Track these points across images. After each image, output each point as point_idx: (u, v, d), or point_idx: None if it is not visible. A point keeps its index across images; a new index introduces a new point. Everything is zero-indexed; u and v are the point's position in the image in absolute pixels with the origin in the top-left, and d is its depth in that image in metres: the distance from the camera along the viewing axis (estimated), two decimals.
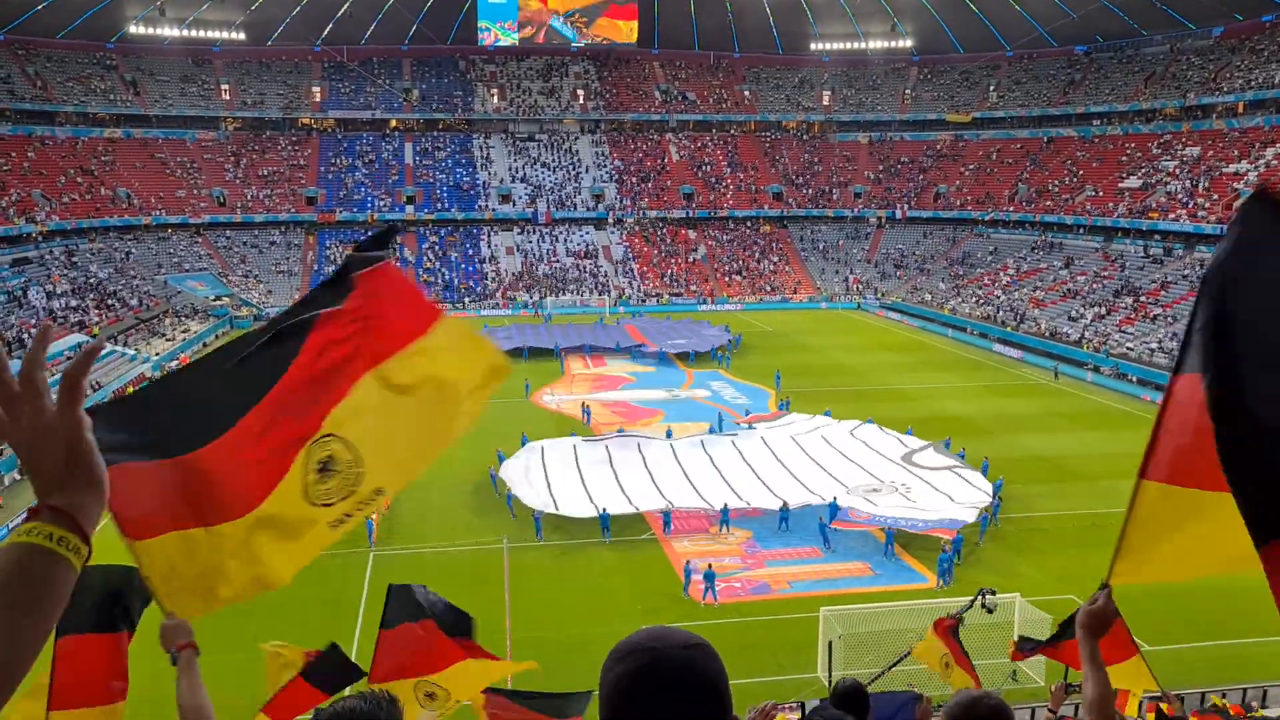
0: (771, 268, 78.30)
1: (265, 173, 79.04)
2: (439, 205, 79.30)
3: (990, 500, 27.79)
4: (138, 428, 2.90)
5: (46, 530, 1.31)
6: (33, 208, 62.08)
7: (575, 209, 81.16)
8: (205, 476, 2.88)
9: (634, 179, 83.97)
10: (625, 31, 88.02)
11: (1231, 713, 14.10)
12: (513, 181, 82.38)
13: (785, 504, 27.47)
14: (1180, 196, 61.67)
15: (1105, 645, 5.75)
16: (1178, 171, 64.56)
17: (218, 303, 65.53)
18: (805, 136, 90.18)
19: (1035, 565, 24.93)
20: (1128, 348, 49.63)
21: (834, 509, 26.76)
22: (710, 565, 23.48)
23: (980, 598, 16.14)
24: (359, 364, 2.93)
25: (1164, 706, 8.56)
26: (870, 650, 18.61)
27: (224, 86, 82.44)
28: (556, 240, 78.89)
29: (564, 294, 72.76)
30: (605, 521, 26.57)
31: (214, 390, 2.98)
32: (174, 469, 2.88)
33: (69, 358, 48.30)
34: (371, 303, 2.97)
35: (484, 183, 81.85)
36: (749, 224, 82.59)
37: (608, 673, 1.55)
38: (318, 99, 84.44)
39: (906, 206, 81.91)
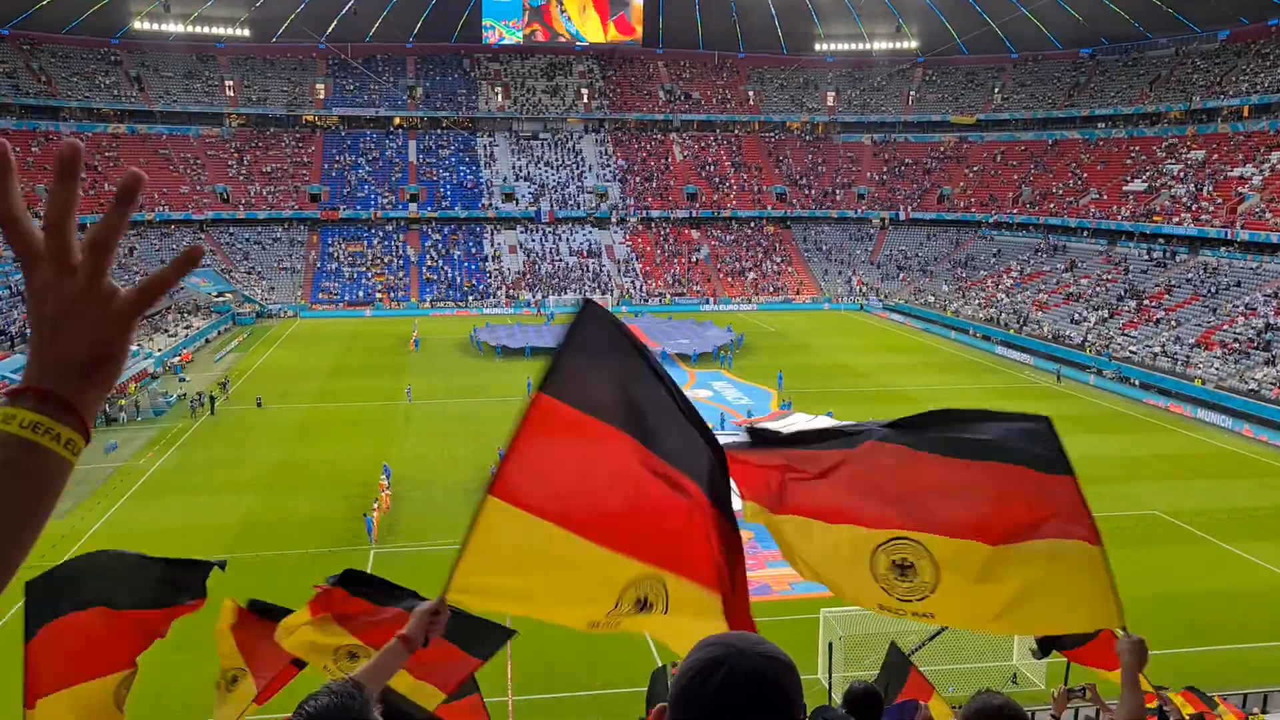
0: (775, 269, 78.24)
1: (269, 169, 79.08)
2: (442, 203, 79.30)
3: None
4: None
5: (55, 430, 1.16)
6: (36, 203, 62.03)
7: (578, 208, 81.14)
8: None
9: (637, 178, 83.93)
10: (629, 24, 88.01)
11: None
12: (516, 180, 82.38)
13: None
14: (1184, 200, 61.59)
15: (1101, 649, 5.97)
16: (1182, 175, 64.47)
17: (220, 299, 65.57)
18: (809, 137, 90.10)
19: None
20: (1131, 351, 49.55)
21: None
22: None
23: None
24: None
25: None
26: (871, 652, 18.58)
27: (228, 83, 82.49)
28: (559, 239, 78.88)
29: (566, 293, 72.71)
30: None
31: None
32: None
33: None
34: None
35: (487, 181, 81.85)
36: (752, 224, 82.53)
37: (688, 656, 1.59)
38: (322, 96, 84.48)
39: (910, 208, 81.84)
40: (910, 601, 3.43)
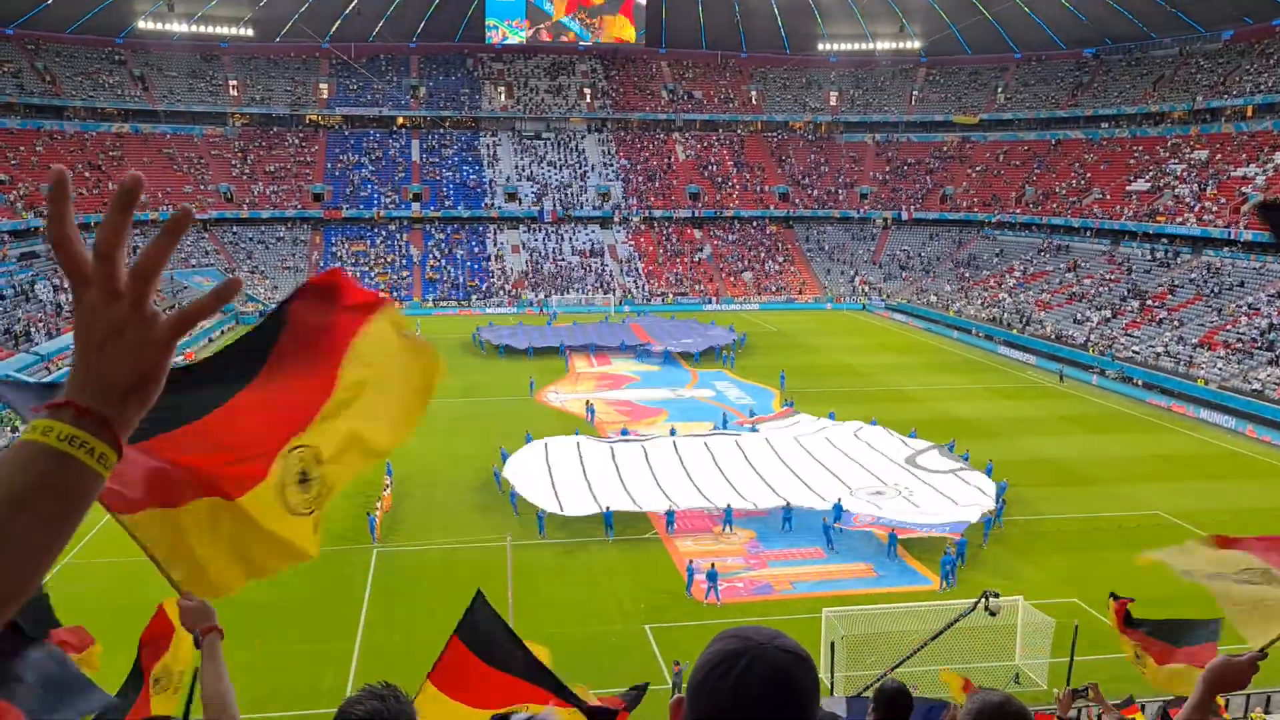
0: (777, 268, 78.24)
1: (272, 169, 79.18)
2: (445, 203, 79.37)
3: (993, 503, 27.76)
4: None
5: (90, 444, 1.21)
6: (40, 201, 62.26)
7: (581, 208, 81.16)
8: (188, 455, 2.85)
9: (640, 178, 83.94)
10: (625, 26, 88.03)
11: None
12: (519, 180, 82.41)
13: (789, 504, 27.44)
14: (1188, 200, 61.50)
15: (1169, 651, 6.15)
16: (1185, 175, 64.38)
17: None
18: (812, 137, 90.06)
19: (1039, 568, 24.87)
20: (1134, 351, 49.49)
21: (838, 511, 26.74)
22: (713, 565, 23.47)
23: (983, 600, 16.09)
24: (326, 378, 2.86)
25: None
26: (872, 652, 18.61)
27: (232, 82, 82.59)
28: (562, 239, 78.91)
29: (569, 292, 72.76)
30: (609, 520, 26.57)
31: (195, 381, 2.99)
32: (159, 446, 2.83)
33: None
34: (333, 313, 2.90)
35: (490, 181, 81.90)
36: (755, 224, 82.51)
37: (707, 648, 1.60)
38: (325, 96, 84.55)
39: (913, 208, 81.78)
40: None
